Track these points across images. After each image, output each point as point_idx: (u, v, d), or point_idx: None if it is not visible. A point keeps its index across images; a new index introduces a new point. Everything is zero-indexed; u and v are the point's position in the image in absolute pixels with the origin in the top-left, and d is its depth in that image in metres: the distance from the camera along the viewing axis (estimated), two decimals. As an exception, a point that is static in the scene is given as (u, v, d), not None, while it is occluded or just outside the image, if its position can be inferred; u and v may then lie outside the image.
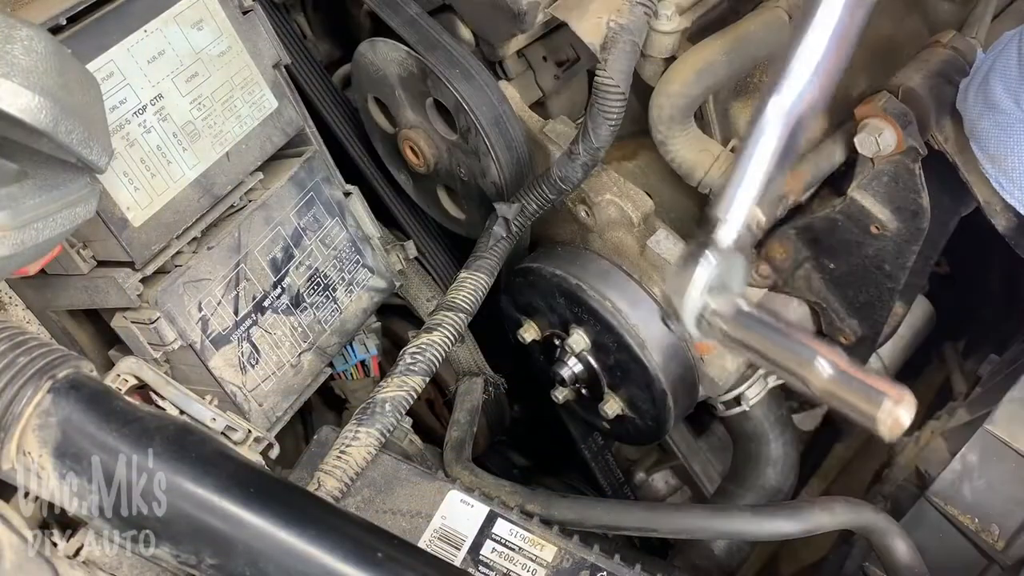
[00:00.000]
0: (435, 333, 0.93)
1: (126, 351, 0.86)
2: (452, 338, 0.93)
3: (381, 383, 0.89)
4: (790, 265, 1.03)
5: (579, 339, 1.03)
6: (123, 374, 0.71)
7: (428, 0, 1.05)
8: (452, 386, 1.14)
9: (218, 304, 0.87)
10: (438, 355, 0.92)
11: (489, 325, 1.12)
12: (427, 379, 0.90)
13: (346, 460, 0.81)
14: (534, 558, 0.79)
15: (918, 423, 0.96)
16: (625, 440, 1.25)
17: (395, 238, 1.16)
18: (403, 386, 0.88)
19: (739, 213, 0.66)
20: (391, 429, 0.86)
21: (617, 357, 1.01)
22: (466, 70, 0.99)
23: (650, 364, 0.99)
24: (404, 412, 0.88)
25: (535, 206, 0.98)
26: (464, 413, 1.07)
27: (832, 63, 0.65)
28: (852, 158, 0.97)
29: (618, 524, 0.84)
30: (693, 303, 0.66)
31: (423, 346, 0.91)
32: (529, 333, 1.09)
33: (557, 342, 1.06)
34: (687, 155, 0.98)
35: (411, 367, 0.90)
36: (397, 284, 1.08)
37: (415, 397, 0.89)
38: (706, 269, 0.65)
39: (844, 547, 0.96)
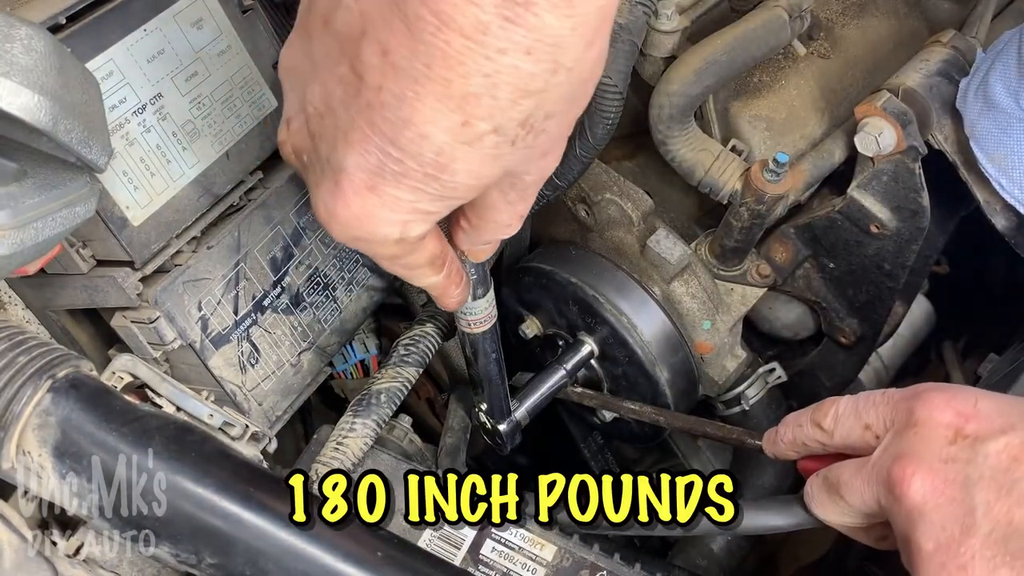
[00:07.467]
0: (428, 324, 0.94)
1: (126, 351, 0.86)
2: (445, 328, 0.94)
3: (376, 374, 0.90)
4: (790, 264, 1.03)
5: (586, 346, 1.03)
6: (118, 371, 0.71)
7: None
8: (444, 394, 1.14)
9: (218, 303, 0.86)
10: (432, 346, 0.93)
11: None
12: (420, 370, 0.91)
13: (343, 451, 0.82)
14: (534, 557, 0.79)
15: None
16: (625, 440, 1.25)
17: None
18: (397, 377, 0.89)
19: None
20: (387, 419, 0.87)
21: (623, 368, 1.01)
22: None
23: (652, 363, 0.99)
24: (399, 402, 0.89)
25: (530, 203, 0.99)
26: (458, 419, 1.07)
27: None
28: (852, 157, 0.97)
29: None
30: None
31: (416, 337, 0.92)
32: (531, 328, 1.09)
33: (560, 343, 1.06)
34: (687, 154, 0.97)
35: (405, 358, 0.91)
36: (397, 283, 1.08)
37: (410, 388, 0.90)
38: None
39: (844, 545, 0.96)
